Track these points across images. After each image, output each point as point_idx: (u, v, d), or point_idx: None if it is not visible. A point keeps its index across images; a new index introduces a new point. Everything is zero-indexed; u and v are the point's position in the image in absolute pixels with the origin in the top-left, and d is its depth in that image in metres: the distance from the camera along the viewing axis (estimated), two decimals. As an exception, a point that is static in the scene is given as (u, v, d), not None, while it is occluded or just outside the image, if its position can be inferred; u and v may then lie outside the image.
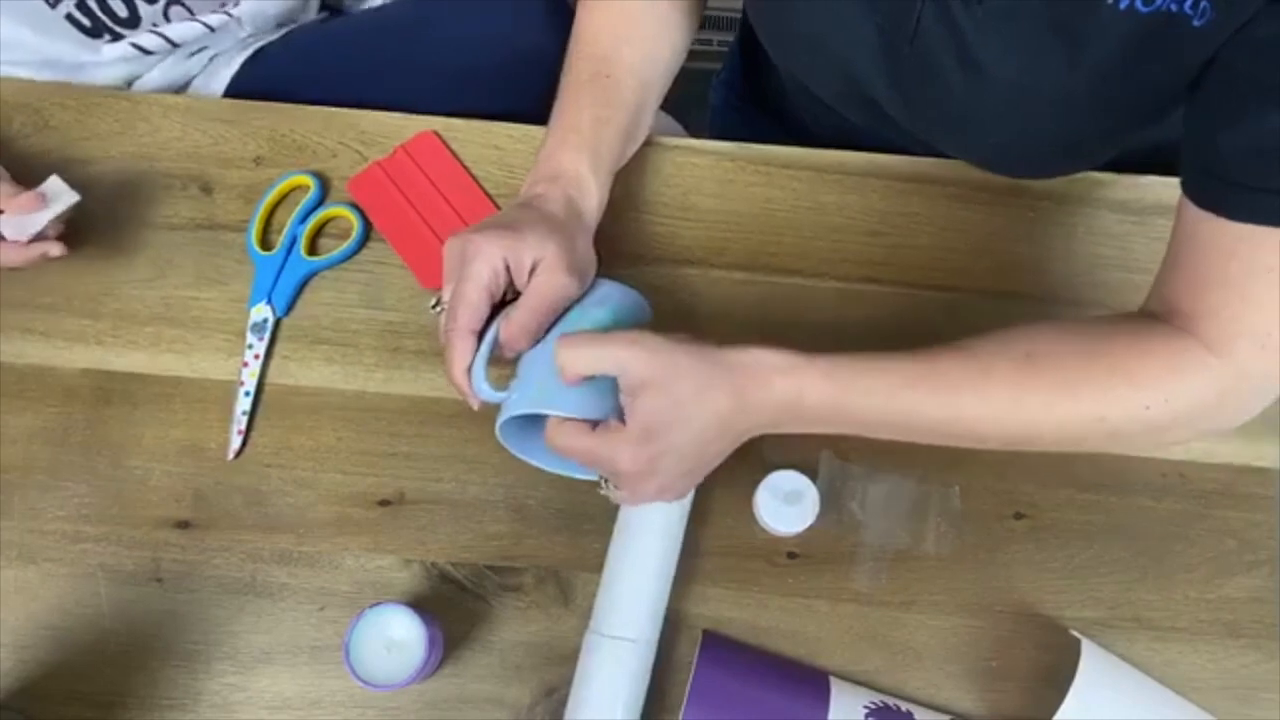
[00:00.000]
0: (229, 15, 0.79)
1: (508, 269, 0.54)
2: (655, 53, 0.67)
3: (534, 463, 0.58)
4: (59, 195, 0.64)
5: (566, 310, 0.56)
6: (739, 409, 0.51)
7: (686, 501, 0.61)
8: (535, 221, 0.56)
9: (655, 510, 0.60)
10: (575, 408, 0.52)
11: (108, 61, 0.73)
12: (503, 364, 0.56)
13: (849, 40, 0.61)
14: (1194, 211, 0.51)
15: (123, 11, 0.73)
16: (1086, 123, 0.58)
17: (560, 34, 0.74)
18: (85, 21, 0.71)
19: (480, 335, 0.55)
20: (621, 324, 0.56)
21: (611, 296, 0.58)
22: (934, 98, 0.60)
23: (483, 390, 0.55)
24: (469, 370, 0.54)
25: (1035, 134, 0.60)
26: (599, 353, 0.50)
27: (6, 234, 0.62)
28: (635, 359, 0.50)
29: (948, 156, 0.71)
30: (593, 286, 0.58)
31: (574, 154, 0.61)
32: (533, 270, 0.54)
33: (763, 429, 0.53)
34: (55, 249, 0.64)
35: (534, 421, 0.55)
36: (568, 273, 0.54)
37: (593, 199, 0.61)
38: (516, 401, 0.54)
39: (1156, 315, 0.54)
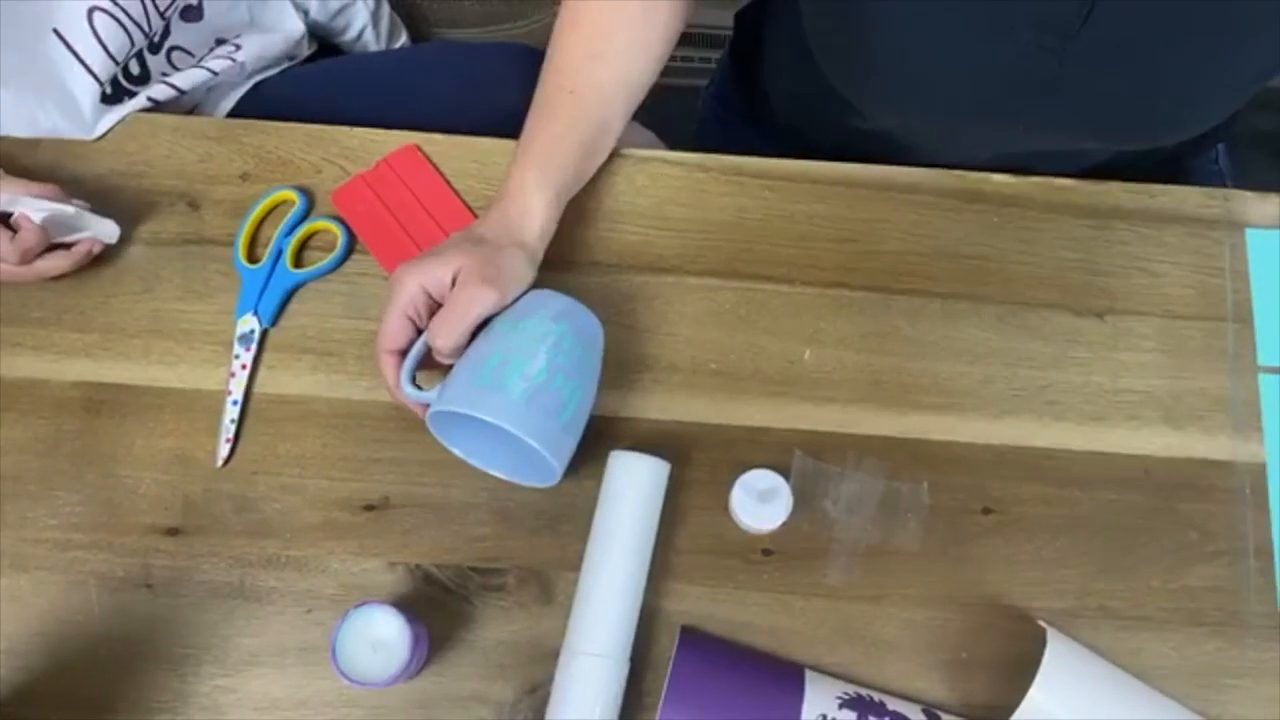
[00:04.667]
0: (233, 60, 0.82)
1: (427, 293, 0.59)
2: (628, 68, 0.68)
3: (460, 455, 0.63)
4: (97, 225, 0.69)
5: (498, 318, 0.60)
6: None
7: (653, 519, 0.63)
8: (458, 243, 0.60)
9: (622, 526, 0.62)
10: (491, 412, 0.56)
11: (121, 117, 0.76)
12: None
13: (980, 59, 0.62)
14: None
15: (136, 70, 0.77)
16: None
17: (527, 82, 0.79)
18: (109, 91, 0.75)
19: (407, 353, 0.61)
20: (561, 328, 0.59)
21: (548, 304, 0.61)
22: (1122, 82, 0.61)
23: (408, 391, 0.60)
24: (399, 382, 0.60)
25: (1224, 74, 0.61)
26: None
27: (34, 216, 0.66)
28: None
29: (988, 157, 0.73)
30: (531, 296, 0.62)
31: (521, 171, 0.63)
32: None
33: None
34: (98, 245, 0.69)
35: (464, 421, 0.59)
36: (482, 283, 0.58)
37: (535, 215, 0.63)
38: (438, 399, 0.58)
39: None
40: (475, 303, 0.58)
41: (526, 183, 0.63)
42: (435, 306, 0.60)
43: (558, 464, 0.58)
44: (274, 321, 0.70)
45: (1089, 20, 0.58)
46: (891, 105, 0.72)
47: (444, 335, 0.58)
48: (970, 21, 0.61)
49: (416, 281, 0.59)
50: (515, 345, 0.58)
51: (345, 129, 0.76)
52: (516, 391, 0.56)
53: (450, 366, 0.61)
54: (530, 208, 0.63)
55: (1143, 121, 0.65)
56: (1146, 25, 0.58)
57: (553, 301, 0.61)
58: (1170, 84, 0.61)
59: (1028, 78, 0.63)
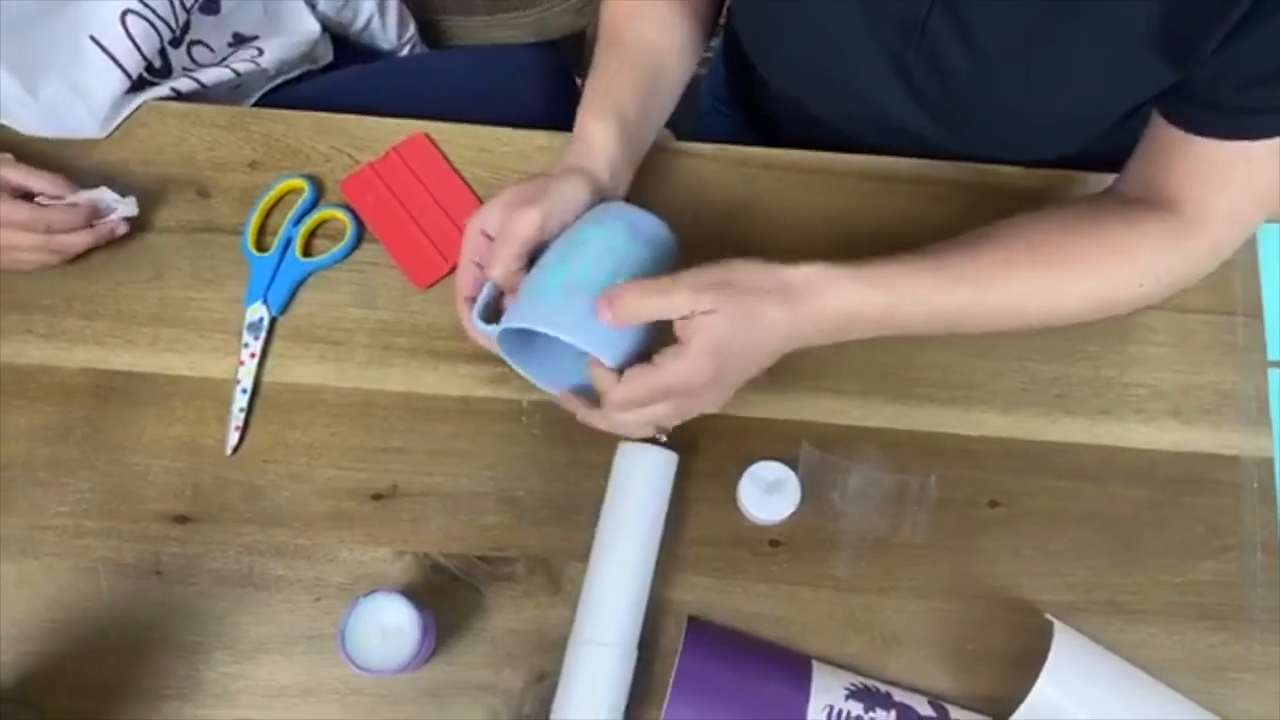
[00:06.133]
0: (256, 64, 0.83)
1: (487, 236, 0.59)
2: (670, 22, 0.70)
3: (542, 385, 0.61)
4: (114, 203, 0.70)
5: (569, 233, 0.59)
6: (795, 323, 0.55)
7: (661, 510, 0.63)
8: (512, 184, 0.61)
9: (631, 517, 0.62)
10: (530, 319, 0.55)
11: (136, 106, 0.76)
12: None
13: (853, 59, 0.64)
14: (1176, 133, 0.58)
15: (158, 63, 0.78)
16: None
17: (540, 89, 0.89)
18: (132, 85, 0.75)
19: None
20: (606, 230, 0.58)
21: (595, 212, 0.59)
22: (949, 94, 0.63)
23: (478, 327, 0.59)
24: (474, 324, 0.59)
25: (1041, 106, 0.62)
26: (650, 302, 0.53)
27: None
28: (686, 298, 0.53)
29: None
30: (600, 209, 0.60)
31: (582, 113, 0.65)
32: None
33: (820, 339, 0.57)
34: (121, 226, 0.70)
35: (538, 345, 0.58)
36: (522, 205, 0.58)
37: (594, 143, 0.63)
38: (507, 317, 0.57)
39: (1134, 197, 0.60)
40: (515, 224, 0.58)
41: (585, 120, 0.64)
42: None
43: (604, 354, 0.55)
44: (283, 310, 0.70)
45: (928, 20, 0.59)
46: (791, 82, 0.73)
47: (492, 263, 0.58)
48: (845, 13, 0.62)
49: (475, 228, 0.60)
50: (556, 255, 0.58)
51: (354, 118, 0.76)
52: (554, 293, 0.55)
53: None
54: (589, 137, 0.64)
55: (992, 128, 0.66)
56: (977, 38, 0.58)
57: (602, 209, 0.60)
58: (1003, 95, 0.61)
59: (892, 74, 0.64)
